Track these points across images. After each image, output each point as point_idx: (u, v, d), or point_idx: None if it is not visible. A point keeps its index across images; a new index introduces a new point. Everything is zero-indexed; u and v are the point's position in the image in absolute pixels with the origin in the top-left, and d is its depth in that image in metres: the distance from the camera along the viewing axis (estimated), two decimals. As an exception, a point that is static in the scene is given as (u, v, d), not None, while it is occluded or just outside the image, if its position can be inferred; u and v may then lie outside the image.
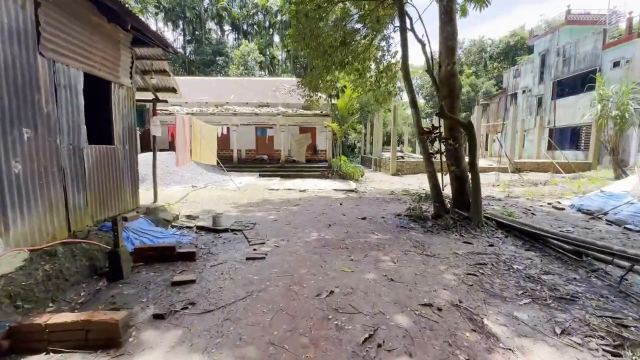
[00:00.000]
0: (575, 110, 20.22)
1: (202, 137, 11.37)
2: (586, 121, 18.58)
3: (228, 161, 17.28)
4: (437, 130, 6.28)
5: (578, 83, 19.96)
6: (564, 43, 21.53)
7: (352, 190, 11.29)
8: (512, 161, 16.63)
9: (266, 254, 4.46)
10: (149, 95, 6.45)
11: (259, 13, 35.06)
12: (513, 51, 36.49)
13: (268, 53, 36.53)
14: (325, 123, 15.76)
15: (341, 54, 7.94)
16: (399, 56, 9.08)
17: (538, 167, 17.73)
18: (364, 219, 6.81)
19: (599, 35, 18.58)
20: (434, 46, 6.75)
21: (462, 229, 5.89)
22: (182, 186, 11.60)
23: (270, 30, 37.09)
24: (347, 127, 15.02)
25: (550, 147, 22.59)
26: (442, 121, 6.70)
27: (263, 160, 18.35)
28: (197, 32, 33.04)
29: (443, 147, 6.71)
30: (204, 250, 4.67)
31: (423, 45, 6.58)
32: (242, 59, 27.10)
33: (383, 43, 8.98)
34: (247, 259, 4.27)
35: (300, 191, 11.00)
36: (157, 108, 6.55)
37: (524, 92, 25.88)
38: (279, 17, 32.37)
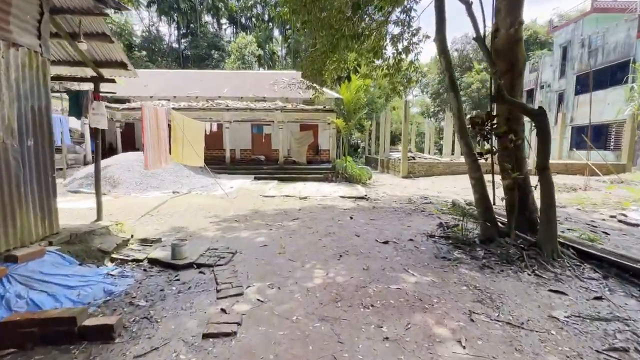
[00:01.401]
0: (604, 106, 18.37)
1: (186, 135, 9.59)
2: (620, 118, 16.73)
3: (220, 162, 15.53)
4: (494, 121, 4.46)
5: (607, 76, 18.11)
6: (589, 33, 19.65)
7: (362, 198, 9.48)
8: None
9: (240, 322, 2.66)
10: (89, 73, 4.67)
11: (257, 5, 33.24)
12: (525, 46, 34.50)
13: (267, 48, 34.74)
14: (329, 119, 13.97)
15: (353, 26, 6.12)
16: (421, 34, 7.31)
17: (566, 168, 15.87)
18: (386, 242, 4.99)
19: (634, 22, 16.71)
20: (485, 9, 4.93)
21: (532, 262, 4.09)
22: (161, 192, 9.81)
23: (270, 24, 35.29)
24: (354, 124, 13.19)
25: (571, 147, 20.72)
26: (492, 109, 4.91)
27: (259, 161, 16.55)
28: (192, 25, 31.28)
29: (489, 145, 4.93)
30: (140, 310, 2.87)
31: (468, 4, 4.77)
32: (239, 53, 25.26)
33: (403, 16, 7.15)
34: (205, 336, 2.47)
35: (301, 199, 9.19)
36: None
37: (542, 87, 24.02)
38: (278, 9, 30.54)
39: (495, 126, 4.45)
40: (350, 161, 14.06)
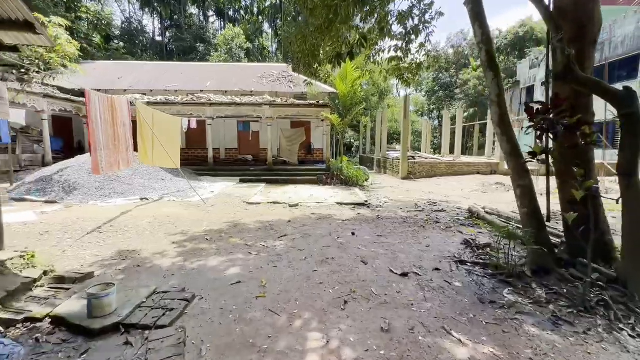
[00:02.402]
0: (604, 103, 17.44)
1: (157, 132, 8.15)
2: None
3: (202, 163, 14.07)
4: (562, 108, 3.17)
5: (615, 70, 17.21)
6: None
7: (362, 205, 8.17)
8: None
9: None
10: None
11: (246, -4, 31.62)
12: (521, 43, 33.82)
13: (257, 42, 33.18)
14: (322, 115, 12.63)
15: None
16: (434, 11, 6.03)
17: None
18: (405, 275, 3.67)
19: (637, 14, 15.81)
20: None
21: (622, 310, 2.84)
22: (126, 199, 8.33)
23: (260, 17, 33.71)
24: (350, 120, 11.89)
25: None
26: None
27: (246, 162, 15.12)
28: (176, 17, 29.47)
29: (538, 142, 3.70)
30: None
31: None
32: (227, 46, 23.65)
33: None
34: None
35: (291, 207, 7.83)
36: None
37: (542, 84, 23.09)
38: (268, 2, 29.06)
39: (562, 115, 3.17)
40: (346, 162, 12.75)
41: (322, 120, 13.55)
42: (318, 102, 13.19)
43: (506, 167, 14.06)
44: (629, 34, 16.46)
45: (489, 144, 22.63)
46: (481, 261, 4.04)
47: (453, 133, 23.58)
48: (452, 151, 22.68)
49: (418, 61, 6.64)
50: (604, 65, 17.58)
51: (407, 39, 6.00)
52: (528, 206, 3.71)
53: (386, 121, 19.72)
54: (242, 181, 12.38)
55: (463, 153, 27.53)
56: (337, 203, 8.23)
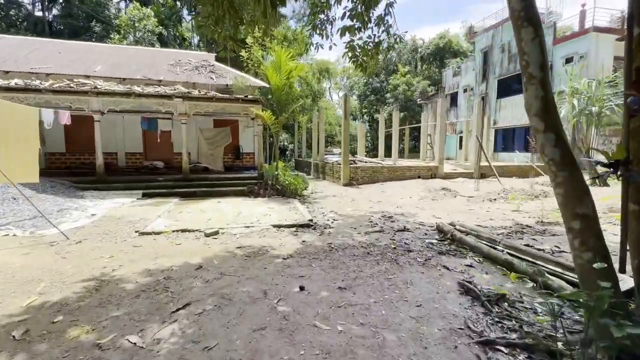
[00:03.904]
0: (524, 110, 18.97)
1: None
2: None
3: (89, 172, 10.60)
4: None
5: (527, 80, 18.72)
6: (508, 39, 20.34)
7: (307, 225, 6.29)
8: (490, 164, 13.82)
9: None
10: None
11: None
12: (442, 53, 36.39)
13: (175, 31, 28.90)
14: (252, 112, 10.42)
15: None
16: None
17: (503, 171, 15.45)
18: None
19: (549, 29, 17.43)
20: None
21: None
22: None
23: (178, 3, 29.48)
24: (287, 119, 9.97)
25: (495, 149, 21.32)
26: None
27: (155, 170, 11.98)
28: (63, -12, 23.59)
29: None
30: None
31: None
32: (132, 28, 19.36)
33: None
34: None
35: (208, 236, 5.51)
36: None
37: (465, 91, 24.60)
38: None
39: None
40: (282, 168, 10.77)
41: (253, 119, 11.32)
42: (246, 96, 10.93)
43: (446, 170, 13.67)
44: (538, 47, 18.02)
45: (424, 147, 23.08)
46: (517, 340, 2.48)
47: (386, 136, 23.49)
48: (387, 154, 22.47)
49: (377, 39, 5.05)
50: (498, 80, 19.01)
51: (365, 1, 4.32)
52: (593, 249, 2.26)
53: (323, 122, 18.33)
54: (145, 196, 9.41)
55: (399, 156, 27.90)
56: (274, 226, 6.18)
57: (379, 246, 4.99)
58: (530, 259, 4.09)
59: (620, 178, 2.33)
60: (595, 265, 2.08)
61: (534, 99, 2.38)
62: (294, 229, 6.09)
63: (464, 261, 4.30)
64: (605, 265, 2.12)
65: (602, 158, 2.71)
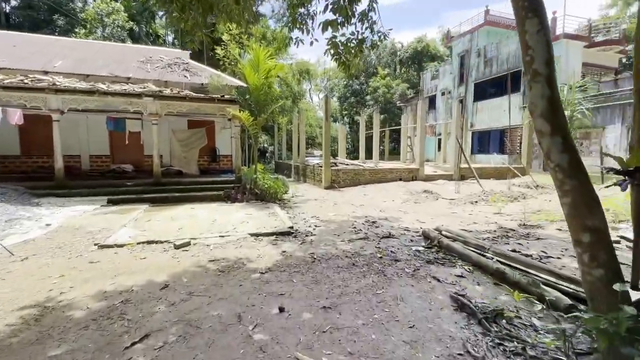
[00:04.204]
0: (500, 113, 19.52)
1: None
2: (509, 124, 17.80)
3: (47, 177, 9.71)
4: None
5: (502, 84, 19.27)
6: (484, 44, 20.88)
7: (287, 233, 5.90)
8: (470, 166, 13.95)
9: None
10: None
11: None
12: (420, 56, 37.05)
13: (148, 28, 27.63)
14: (229, 113, 9.89)
15: None
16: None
17: (482, 172, 15.72)
18: None
19: (523, 35, 17.96)
20: None
21: None
22: None
23: (150, -2, 28.18)
24: (266, 120, 9.55)
25: (472, 151, 21.77)
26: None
27: (124, 174, 11.17)
28: (22, -22, 21.83)
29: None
30: None
31: None
32: (99, 22, 18.12)
33: None
34: None
35: (177, 247, 5.00)
36: None
37: (443, 94, 25.03)
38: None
39: None
40: (261, 171, 10.31)
41: (230, 120, 10.79)
42: (223, 96, 10.39)
43: (427, 172, 13.68)
44: (512, 52, 18.59)
45: (404, 149, 23.22)
46: (523, 365, 2.23)
47: (367, 138, 23.49)
48: (368, 156, 22.44)
49: (360, 36, 4.77)
50: (475, 84, 19.50)
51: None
52: (605, 265, 2.05)
53: (304, 123, 18.00)
54: (111, 202, 8.66)
55: (379, 158, 28.01)
56: (252, 234, 5.75)
57: (364, 255, 4.69)
58: (521, 267, 3.92)
59: (630, 185, 2.14)
60: (615, 287, 1.85)
61: (539, 99, 2.14)
62: (273, 237, 5.68)
63: (454, 270, 4.07)
64: (627, 288, 1.89)
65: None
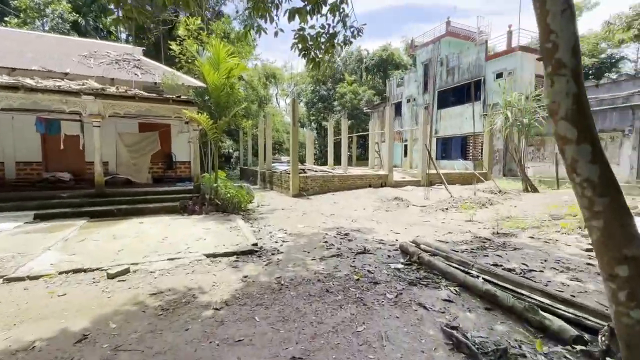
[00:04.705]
0: (462, 120, 20.19)
1: None
2: (471, 131, 18.45)
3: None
4: None
5: (464, 93, 19.97)
6: (446, 54, 21.58)
7: (250, 252, 5.16)
8: (439, 172, 14.01)
9: None
10: None
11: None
12: (385, 64, 37.87)
13: (97, 22, 25.25)
14: (186, 115, 8.92)
15: None
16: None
17: (447, 178, 15.97)
18: None
19: (482, 46, 18.81)
20: None
21: None
22: None
23: (100, -9, 25.83)
24: (227, 123, 8.73)
25: (437, 157, 22.31)
26: None
27: (59, 183, 9.67)
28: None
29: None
30: None
31: None
32: (37, 12, 15.96)
33: None
34: None
35: (111, 277, 4.06)
36: None
37: (408, 101, 25.54)
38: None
39: None
40: (223, 179, 9.41)
41: (187, 123, 9.78)
42: (179, 96, 9.38)
43: (395, 178, 13.51)
44: (473, 63, 19.34)
45: (372, 155, 23.21)
46: None
47: (335, 144, 23.24)
48: (336, 162, 22.16)
49: (332, 30, 4.24)
50: (438, 92, 20.15)
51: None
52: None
53: (270, 128, 17.23)
54: (38, 218, 7.31)
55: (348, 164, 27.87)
56: (208, 255, 4.93)
57: (338, 278, 4.10)
58: (510, 287, 3.56)
59: None
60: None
61: (563, 97, 1.70)
62: (233, 257, 4.92)
63: (440, 293, 3.62)
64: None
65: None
